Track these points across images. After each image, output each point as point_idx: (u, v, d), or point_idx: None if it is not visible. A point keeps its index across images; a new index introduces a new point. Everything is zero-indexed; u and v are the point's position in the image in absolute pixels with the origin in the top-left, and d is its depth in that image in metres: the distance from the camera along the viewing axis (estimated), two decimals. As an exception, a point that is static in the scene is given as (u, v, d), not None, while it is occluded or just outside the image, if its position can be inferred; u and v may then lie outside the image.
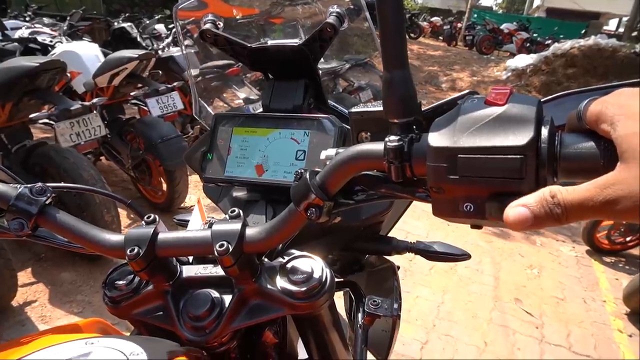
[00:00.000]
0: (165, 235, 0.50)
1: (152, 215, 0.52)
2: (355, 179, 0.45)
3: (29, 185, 0.52)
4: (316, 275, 0.49)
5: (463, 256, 0.74)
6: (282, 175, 0.66)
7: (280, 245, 0.58)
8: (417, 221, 3.61)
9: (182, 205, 3.28)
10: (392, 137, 0.39)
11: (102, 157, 3.55)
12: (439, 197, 0.38)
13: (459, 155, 0.35)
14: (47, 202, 0.52)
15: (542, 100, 0.39)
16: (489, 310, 2.63)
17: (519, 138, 0.34)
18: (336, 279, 0.54)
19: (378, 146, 0.41)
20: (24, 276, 2.51)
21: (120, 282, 0.53)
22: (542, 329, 2.51)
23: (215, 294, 0.50)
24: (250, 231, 0.48)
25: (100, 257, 2.65)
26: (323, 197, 0.43)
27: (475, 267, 3.07)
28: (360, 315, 0.66)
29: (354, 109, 0.49)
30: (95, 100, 2.70)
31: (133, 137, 3.10)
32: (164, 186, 3.19)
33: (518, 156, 0.34)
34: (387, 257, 0.79)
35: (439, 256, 0.73)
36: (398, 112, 0.40)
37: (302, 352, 0.68)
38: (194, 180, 3.71)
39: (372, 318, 0.65)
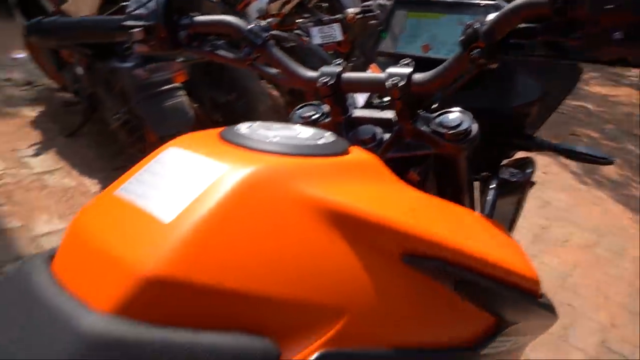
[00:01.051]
0: (348, 74, 0.63)
1: (340, 59, 0.65)
2: (516, 33, 0.51)
3: (256, 23, 0.69)
4: (464, 124, 0.57)
5: (605, 159, 0.73)
6: (444, 52, 0.73)
7: (437, 104, 0.67)
8: (560, 194, 3.35)
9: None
10: None
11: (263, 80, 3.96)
12: (592, 32, 0.44)
13: None
14: (267, 38, 0.68)
15: None
16: (624, 295, 2.40)
17: None
18: None
19: None
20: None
21: (305, 115, 0.68)
22: (687, 329, 2.23)
23: (378, 129, 0.62)
24: (418, 75, 0.58)
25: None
26: (486, 40, 0.51)
27: (618, 251, 2.79)
28: (494, 183, 0.72)
29: None
30: (270, 19, 3.01)
31: (293, 63, 3.39)
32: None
33: None
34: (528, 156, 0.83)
35: (580, 156, 0.75)
36: None
37: None
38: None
39: (504, 181, 0.71)
